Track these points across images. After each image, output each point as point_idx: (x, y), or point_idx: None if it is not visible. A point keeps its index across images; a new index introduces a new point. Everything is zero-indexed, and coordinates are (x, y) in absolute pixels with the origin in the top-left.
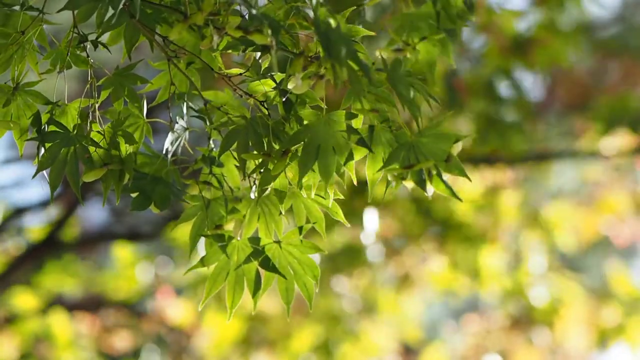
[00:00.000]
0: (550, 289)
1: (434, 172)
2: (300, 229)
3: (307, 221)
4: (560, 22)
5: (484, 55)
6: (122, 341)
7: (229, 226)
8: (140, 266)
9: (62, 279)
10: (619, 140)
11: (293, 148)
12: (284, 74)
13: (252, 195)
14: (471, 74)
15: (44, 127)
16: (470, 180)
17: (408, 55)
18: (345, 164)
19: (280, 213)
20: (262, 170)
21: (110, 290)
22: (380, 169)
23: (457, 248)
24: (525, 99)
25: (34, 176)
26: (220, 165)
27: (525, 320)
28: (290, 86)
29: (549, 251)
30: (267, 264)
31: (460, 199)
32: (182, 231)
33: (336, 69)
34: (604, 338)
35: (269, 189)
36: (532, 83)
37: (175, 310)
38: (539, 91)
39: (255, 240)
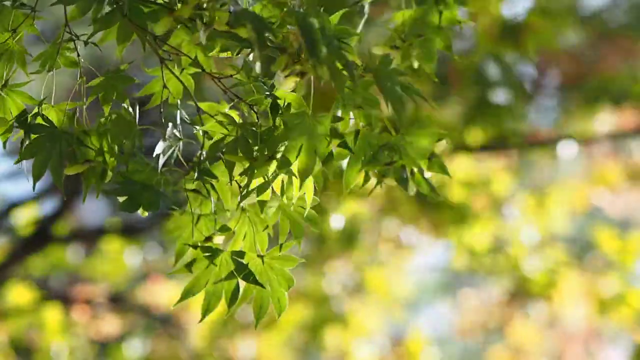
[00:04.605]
0: (544, 261)
1: (416, 171)
2: (282, 245)
3: (290, 235)
4: (551, 5)
5: (474, 41)
6: (110, 327)
7: (218, 239)
8: (128, 252)
9: (52, 268)
10: (612, 120)
11: (278, 154)
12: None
13: (240, 203)
14: (462, 59)
15: (31, 121)
16: (451, 177)
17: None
18: (324, 164)
19: (266, 227)
20: (247, 175)
21: (99, 277)
22: (362, 168)
23: (451, 227)
24: (517, 82)
25: (15, 162)
26: (211, 174)
27: (521, 294)
28: (277, 85)
29: (544, 225)
30: (249, 278)
31: (440, 196)
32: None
33: (317, 69)
34: (604, 309)
35: (253, 199)
36: (525, 64)
37: (164, 295)
38: (532, 71)
39: (239, 254)
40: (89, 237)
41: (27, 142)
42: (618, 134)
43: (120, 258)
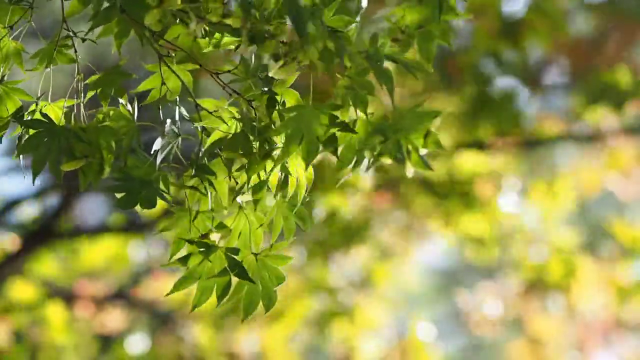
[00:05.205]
0: (557, 249)
1: (412, 148)
2: (272, 245)
3: (282, 234)
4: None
5: (473, 37)
6: (114, 323)
7: (214, 236)
8: (131, 248)
9: (55, 264)
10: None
11: (275, 151)
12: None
13: (238, 199)
14: (462, 55)
15: (29, 117)
16: (444, 149)
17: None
18: (326, 146)
19: (261, 225)
20: (244, 171)
21: (102, 273)
22: (360, 148)
23: (460, 217)
24: (520, 71)
25: (14, 158)
26: (209, 171)
27: (539, 285)
28: (272, 74)
29: (555, 211)
30: (241, 274)
31: (432, 169)
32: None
33: (305, 48)
34: (623, 297)
35: (249, 196)
36: (531, 56)
37: (167, 291)
38: (539, 64)
39: (233, 250)
40: (91, 233)
41: (25, 138)
42: (627, 126)
43: (123, 254)
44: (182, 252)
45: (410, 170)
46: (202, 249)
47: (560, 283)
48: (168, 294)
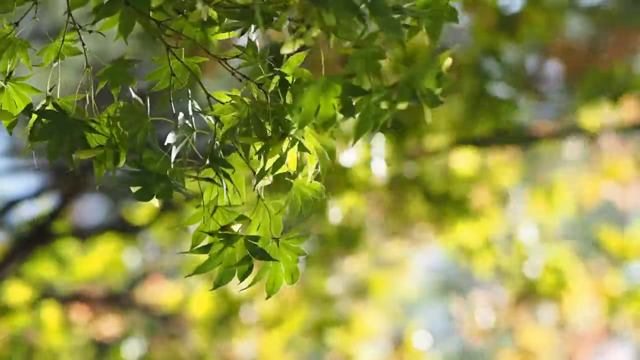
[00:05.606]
0: (550, 259)
1: (426, 90)
2: (295, 228)
3: (301, 212)
4: None
5: (471, 34)
6: (110, 327)
7: (235, 227)
8: (127, 251)
9: (52, 268)
10: (616, 113)
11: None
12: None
13: (254, 183)
14: (460, 52)
15: (41, 108)
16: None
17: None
18: (342, 113)
19: (279, 211)
20: (262, 155)
21: (98, 276)
22: (380, 99)
23: (454, 223)
24: (516, 74)
25: (29, 144)
26: (225, 164)
27: (530, 295)
28: (286, 47)
29: (550, 220)
30: (265, 256)
31: (442, 102)
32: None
33: (323, 16)
34: (614, 308)
35: (268, 180)
36: (526, 56)
37: (163, 295)
38: (533, 63)
39: (254, 238)
40: (88, 235)
41: (39, 127)
42: (624, 127)
43: (119, 257)
44: (204, 242)
45: (428, 115)
46: (222, 239)
47: (552, 293)
48: (189, 275)
